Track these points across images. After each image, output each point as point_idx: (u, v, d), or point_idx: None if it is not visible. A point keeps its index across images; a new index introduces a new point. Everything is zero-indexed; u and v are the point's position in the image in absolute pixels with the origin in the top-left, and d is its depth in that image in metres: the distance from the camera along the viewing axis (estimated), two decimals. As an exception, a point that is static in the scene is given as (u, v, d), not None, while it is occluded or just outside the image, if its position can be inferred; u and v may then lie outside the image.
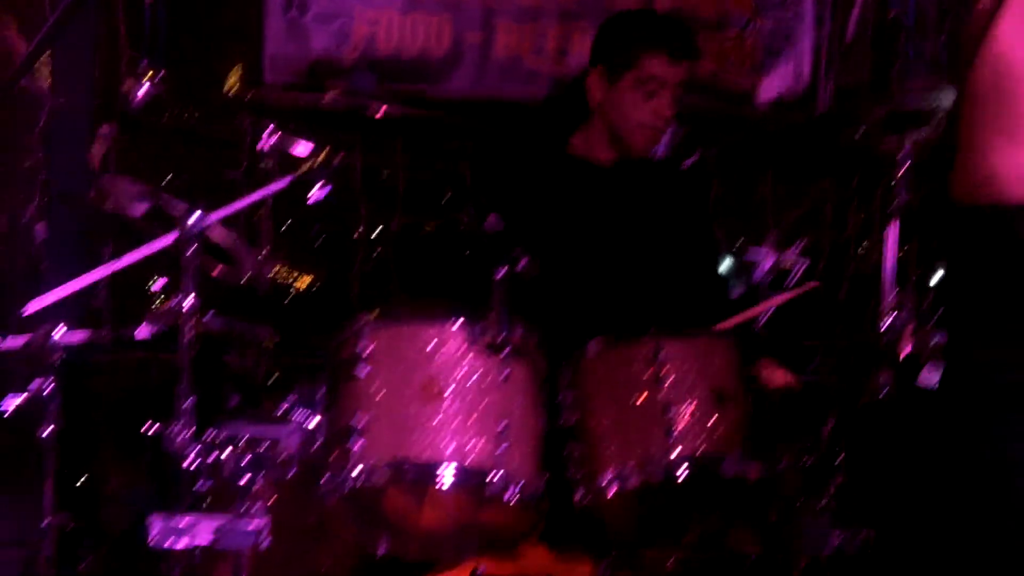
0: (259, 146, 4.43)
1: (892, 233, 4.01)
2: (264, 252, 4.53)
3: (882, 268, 3.99)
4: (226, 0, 5.78)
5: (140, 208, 4.11)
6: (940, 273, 5.28)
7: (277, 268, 5.14)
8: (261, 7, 5.67)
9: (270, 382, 4.25)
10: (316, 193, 4.18)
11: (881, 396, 3.90)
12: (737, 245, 5.08)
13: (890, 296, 3.94)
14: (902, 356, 3.89)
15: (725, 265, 5.11)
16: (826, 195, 6.12)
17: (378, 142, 5.53)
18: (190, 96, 5.57)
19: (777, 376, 4.36)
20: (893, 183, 4.05)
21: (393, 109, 4.25)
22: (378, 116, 4.16)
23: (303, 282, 4.72)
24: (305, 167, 4.15)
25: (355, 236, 5.56)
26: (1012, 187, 2.90)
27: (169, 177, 5.46)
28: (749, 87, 5.94)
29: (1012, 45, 2.96)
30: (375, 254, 5.59)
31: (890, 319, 3.91)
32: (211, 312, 4.00)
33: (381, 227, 5.60)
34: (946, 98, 4.05)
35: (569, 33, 5.75)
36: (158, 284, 5.08)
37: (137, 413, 4.15)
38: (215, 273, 4.10)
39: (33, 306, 3.94)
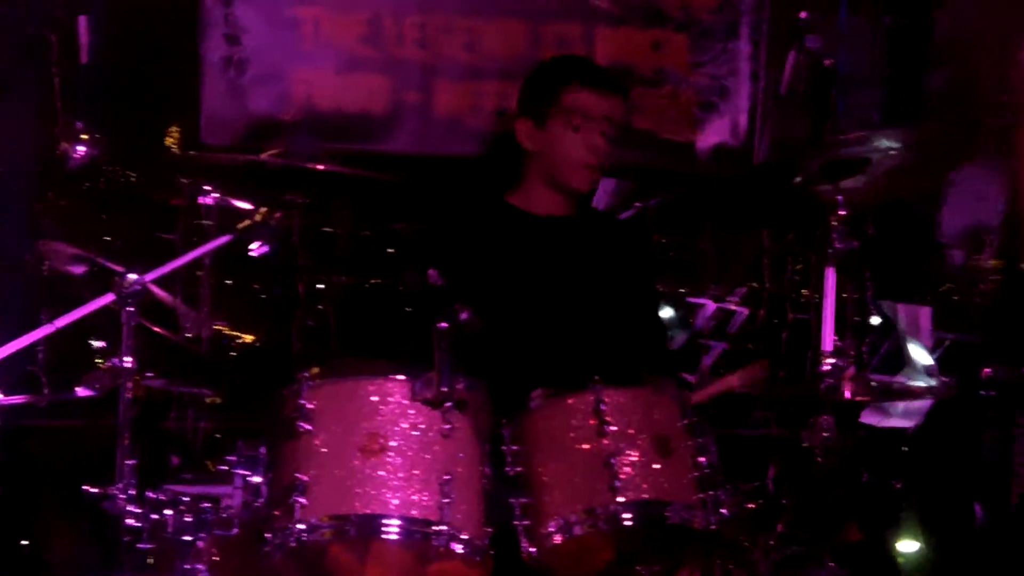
0: (199, 203, 4.44)
1: (830, 279, 4.04)
2: (204, 312, 4.52)
3: (822, 314, 4.02)
4: (164, 62, 5.76)
5: (78, 270, 4.11)
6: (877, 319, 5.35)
7: (218, 327, 5.13)
8: (199, 69, 5.67)
9: (212, 441, 4.23)
10: (256, 251, 4.17)
11: (823, 440, 3.91)
12: (678, 295, 5.13)
13: (829, 341, 3.96)
14: (843, 400, 3.92)
15: (667, 315, 5.14)
16: (765, 245, 6.17)
17: (319, 200, 5.53)
18: (128, 158, 5.55)
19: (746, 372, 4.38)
20: (830, 231, 4.08)
21: (333, 168, 4.26)
22: (318, 171, 4.16)
23: (244, 341, 4.71)
24: (244, 225, 4.15)
25: (296, 294, 5.56)
26: None
27: (107, 239, 5.44)
28: (687, 141, 5.98)
29: None
30: (317, 312, 5.58)
31: (829, 364, 3.93)
32: (151, 373, 3.99)
33: (323, 285, 5.60)
34: (881, 147, 4.10)
35: (508, 92, 5.75)
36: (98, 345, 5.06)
37: (77, 476, 4.12)
38: (156, 333, 4.08)
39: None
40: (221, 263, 5.05)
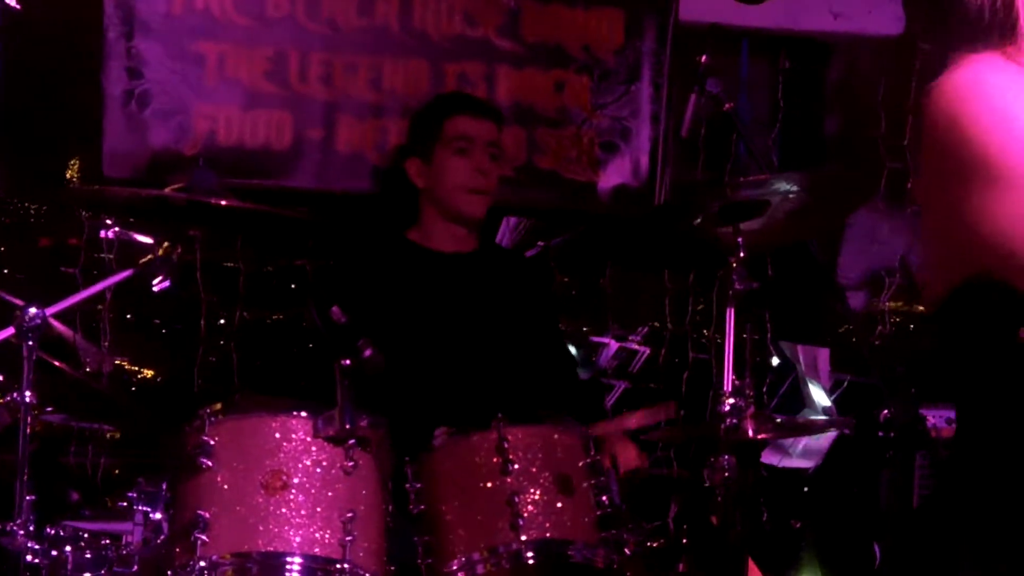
0: (100, 237, 4.40)
1: (730, 320, 4.08)
2: (105, 347, 4.48)
3: (723, 354, 4.06)
4: (64, 94, 5.73)
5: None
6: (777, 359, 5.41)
7: (119, 363, 5.08)
8: (100, 102, 5.63)
9: (112, 477, 4.19)
10: (158, 286, 4.14)
11: (723, 480, 3.94)
12: (581, 334, 5.16)
13: (729, 381, 4.00)
14: (745, 439, 3.95)
15: (572, 354, 5.17)
16: (665, 286, 6.22)
17: (220, 236, 5.51)
18: (27, 191, 5.50)
19: (630, 456, 4.42)
20: (729, 272, 4.12)
21: (234, 203, 4.24)
22: (220, 206, 4.13)
23: (145, 376, 4.68)
24: (146, 260, 4.12)
25: (198, 330, 5.52)
26: None
27: (6, 271, 5.38)
28: (589, 181, 6.02)
29: None
30: (218, 348, 5.55)
31: (730, 404, 3.96)
32: (49, 408, 3.95)
33: (223, 320, 5.57)
34: (780, 190, 4.15)
35: (410, 129, 5.78)
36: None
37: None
38: (56, 367, 4.03)
39: None
40: (122, 297, 5.00)
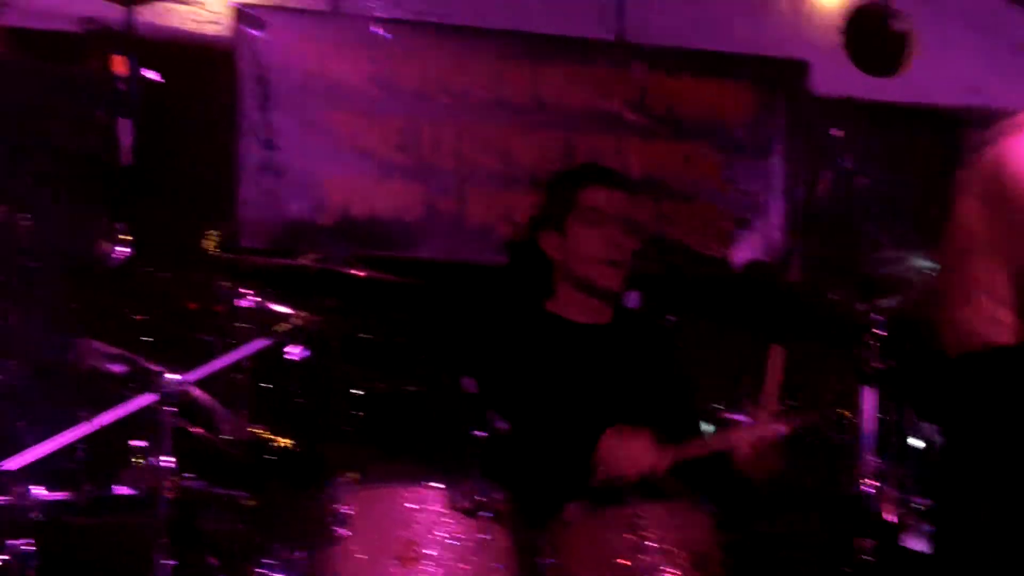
0: (237, 307, 4.45)
1: (869, 399, 4.04)
2: (243, 415, 4.52)
3: (861, 434, 4.01)
4: (201, 164, 5.81)
5: (118, 369, 4.11)
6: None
7: (255, 431, 5.11)
8: (236, 172, 5.71)
9: (249, 545, 4.20)
10: (293, 354, 4.17)
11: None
12: (713, 411, 5.11)
13: (870, 462, 3.95)
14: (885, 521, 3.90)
15: (705, 430, 5.12)
16: (801, 362, 6.17)
17: (355, 305, 5.55)
18: (165, 259, 5.58)
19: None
20: (867, 350, 4.08)
21: (372, 274, 4.28)
22: (357, 277, 4.16)
23: (281, 445, 4.71)
24: (282, 329, 4.15)
25: (333, 399, 5.55)
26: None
27: (145, 339, 5.45)
28: (720, 256, 5.99)
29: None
30: (353, 418, 5.57)
31: (871, 485, 3.91)
32: (188, 474, 3.98)
33: (359, 391, 5.60)
34: (915, 267, 4.12)
35: (540, 201, 5.79)
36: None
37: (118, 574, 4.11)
38: (194, 434, 4.08)
39: (10, 464, 3.91)
40: (259, 366, 5.04)
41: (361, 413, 5.41)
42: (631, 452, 4.28)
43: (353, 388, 5.46)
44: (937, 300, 3.23)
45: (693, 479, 4.30)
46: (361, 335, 5.68)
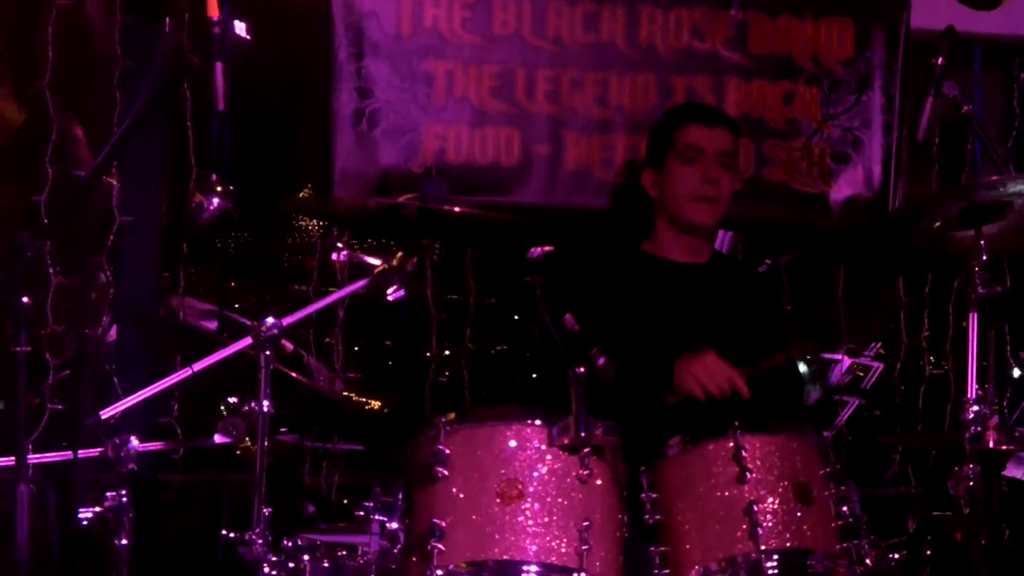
0: (332, 258, 4.42)
1: (973, 325, 3.95)
2: (337, 368, 4.50)
3: (961, 367, 3.92)
4: (293, 115, 5.80)
5: (210, 325, 4.10)
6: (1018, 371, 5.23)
7: (349, 384, 5.10)
8: (330, 122, 5.69)
9: (347, 490, 4.19)
10: (392, 295, 4.13)
11: (968, 490, 3.81)
12: (811, 350, 5.06)
13: (972, 389, 3.87)
14: (987, 449, 3.82)
15: (801, 370, 5.06)
16: (899, 297, 6.09)
17: (452, 248, 5.52)
18: (259, 211, 5.58)
19: None
20: (970, 278, 3.99)
21: (467, 210, 4.24)
22: (453, 214, 4.11)
23: (375, 400, 4.70)
24: (380, 270, 4.10)
25: (427, 354, 5.52)
26: None
27: (239, 294, 5.45)
28: (819, 193, 5.91)
29: None
30: (448, 370, 5.56)
31: (973, 412, 3.83)
32: (283, 428, 3.97)
33: (448, 352, 5.57)
34: (1020, 191, 4.03)
35: (638, 144, 5.73)
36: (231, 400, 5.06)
37: (210, 527, 4.11)
38: (290, 382, 4.04)
39: (107, 412, 3.90)
40: (352, 318, 5.01)
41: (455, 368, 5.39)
42: (707, 366, 4.27)
43: (444, 346, 5.44)
44: None
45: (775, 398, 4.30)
46: (450, 297, 5.65)
